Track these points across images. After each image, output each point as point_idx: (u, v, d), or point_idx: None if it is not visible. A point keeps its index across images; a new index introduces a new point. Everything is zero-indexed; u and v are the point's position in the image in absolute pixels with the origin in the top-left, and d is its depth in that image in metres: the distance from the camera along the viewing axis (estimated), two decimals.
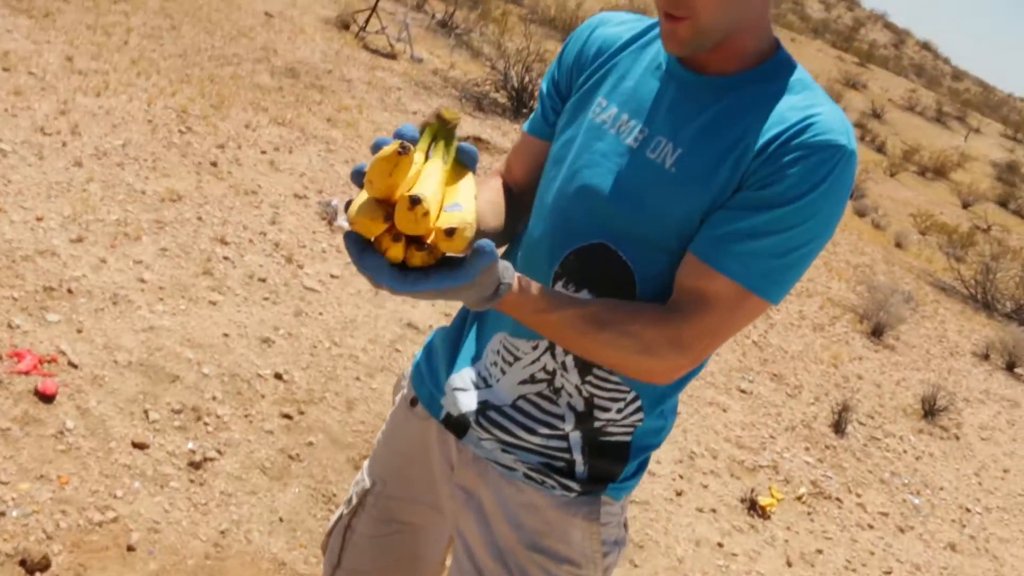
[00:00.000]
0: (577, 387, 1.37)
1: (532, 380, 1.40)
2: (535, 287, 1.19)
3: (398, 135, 1.05)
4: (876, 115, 28.03)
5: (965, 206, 20.31)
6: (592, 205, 1.33)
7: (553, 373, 1.38)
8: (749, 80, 1.29)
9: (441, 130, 1.10)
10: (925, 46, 61.70)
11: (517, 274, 1.17)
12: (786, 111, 1.24)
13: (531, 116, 1.50)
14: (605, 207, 1.31)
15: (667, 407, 1.43)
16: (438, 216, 1.01)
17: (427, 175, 1.03)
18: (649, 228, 1.28)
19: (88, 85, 5.28)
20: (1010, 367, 7.96)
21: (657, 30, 1.41)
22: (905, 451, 5.20)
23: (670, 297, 1.27)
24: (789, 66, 1.31)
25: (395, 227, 1.00)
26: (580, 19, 18.47)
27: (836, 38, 41.41)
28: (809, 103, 1.24)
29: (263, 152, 5.46)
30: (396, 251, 1.01)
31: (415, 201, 0.97)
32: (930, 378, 6.66)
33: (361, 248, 1.03)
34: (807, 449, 4.66)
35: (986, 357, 8.03)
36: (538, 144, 1.47)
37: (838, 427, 5.03)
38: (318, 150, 5.89)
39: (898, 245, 12.42)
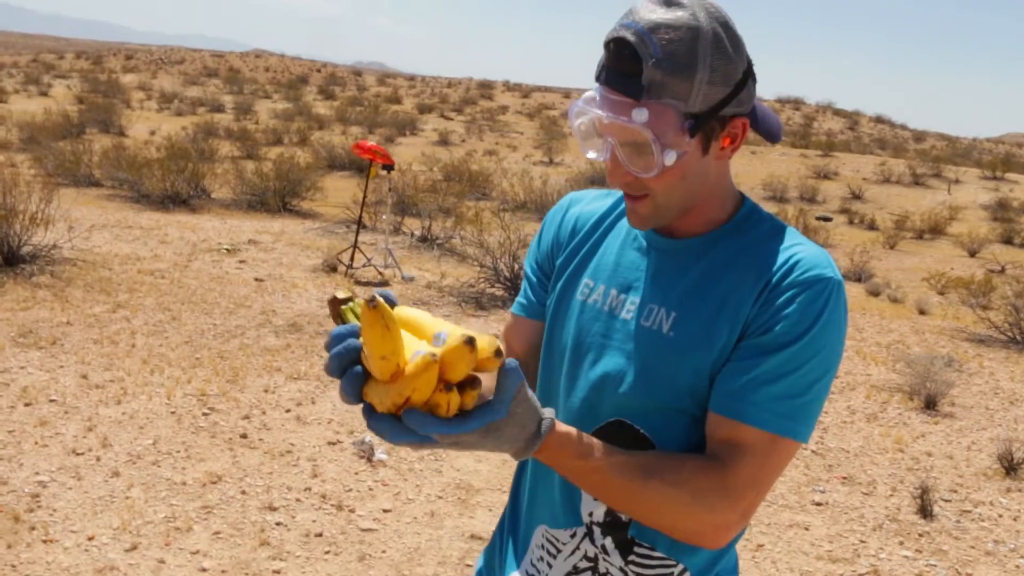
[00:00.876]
0: (622, 569, 1.37)
1: (576, 571, 1.40)
2: (575, 431, 1.21)
3: (336, 337, 1.08)
4: (856, 196, 28.47)
5: (972, 255, 20.30)
6: (601, 388, 1.37)
7: (595, 559, 1.38)
8: (722, 236, 1.35)
9: (355, 307, 1.11)
10: (879, 120, 63.39)
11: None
12: (767, 257, 1.30)
13: (519, 298, 1.55)
14: (615, 387, 1.35)
15: (721, 570, 1.41)
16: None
17: (399, 331, 1.06)
18: (660, 397, 1.31)
19: (107, 396, 5.42)
20: None
21: (622, 206, 1.49)
22: (1000, 515, 5.01)
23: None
24: (758, 215, 1.38)
25: (441, 379, 1.01)
26: (549, 196, 19.11)
27: (794, 139, 42.59)
28: (787, 245, 1.31)
29: (287, 411, 5.54)
30: (452, 398, 1.01)
31: (471, 340, 1.00)
32: (999, 434, 6.50)
33: (391, 421, 1.03)
34: (901, 543, 4.50)
35: None
36: (532, 324, 1.52)
37: (924, 511, 4.87)
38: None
39: (921, 312, 12.34)
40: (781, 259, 1.29)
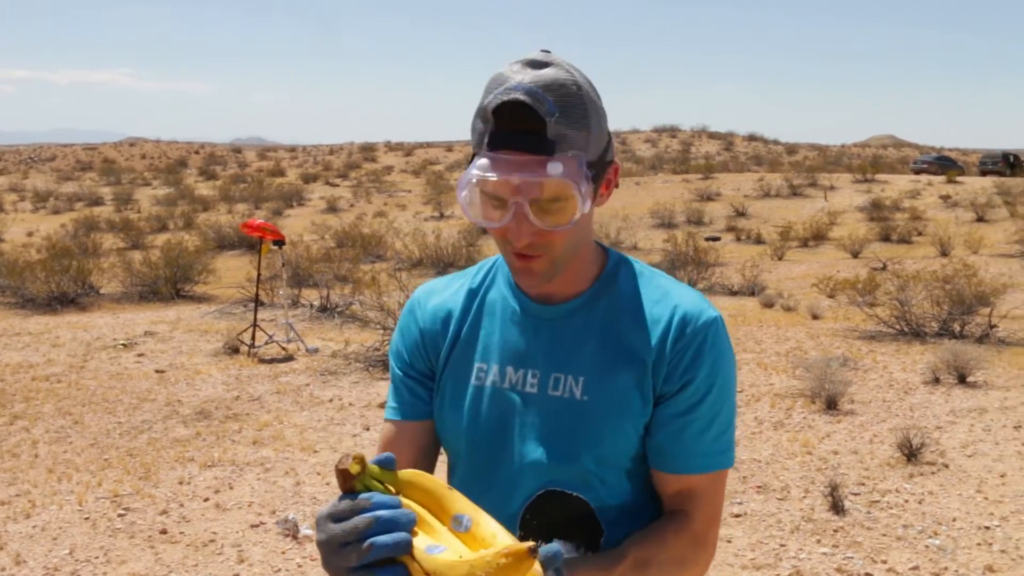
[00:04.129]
0: None
1: None
2: (577, 563, 1.24)
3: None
4: (740, 214, 29.42)
5: (855, 256, 21.20)
6: (525, 466, 1.38)
7: None
8: (600, 290, 1.41)
9: (365, 477, 1.03)
10: (752, 138, 65.67)
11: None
12: (652, 309, 1.38)
13: (391, 402, 1.49)
14: (539, 462, 1.37)
15: None
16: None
17: (435, 531, 1.02)
18: (586, 461, 1.36)
19: (15, 512, 5.25)
20: (961, 379, 8.18)
21: (484, 274, 1.51)
22: (906, 501, 5.26)
23: (642, 506, 1.38)
24: (627, 264, 1.45)
25: None
26: (444, 250, 19.23)
27: (674, 165, 43.80)
28: (664, 292, 1.39)
29: (205, 500, 5.46)
30: None
31: (535, 551, 0.93)
32: (898, 423, 6.81)
33: None
34: (819, 541, 4.69)
35: (936, 381, 8.26)
36: (417, 426, 1.47)
37: (836, 508, 5.09)
38: (255, 474, 5.92)
39: (815, 317, 12.83)
40: (667, 311, 1.37)
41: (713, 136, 62.15)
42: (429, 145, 75.32)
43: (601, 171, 1.33)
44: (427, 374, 1.48)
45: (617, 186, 1.43)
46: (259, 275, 10.81)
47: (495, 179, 1.26)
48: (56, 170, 60.88)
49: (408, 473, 1.07)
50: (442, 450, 1.51)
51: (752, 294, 16.21)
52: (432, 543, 0.99)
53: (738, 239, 25.52)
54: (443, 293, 1.51)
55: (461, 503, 1.05)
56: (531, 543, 0.93)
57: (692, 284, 15.70)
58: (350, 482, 1.01)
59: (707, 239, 23.30)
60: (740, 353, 9.64)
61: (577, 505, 1.37)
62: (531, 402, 1.39)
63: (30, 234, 28.51)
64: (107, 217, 31.54)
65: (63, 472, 5.98)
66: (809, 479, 5.65)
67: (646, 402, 1.35)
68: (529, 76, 1.25)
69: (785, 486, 5.54)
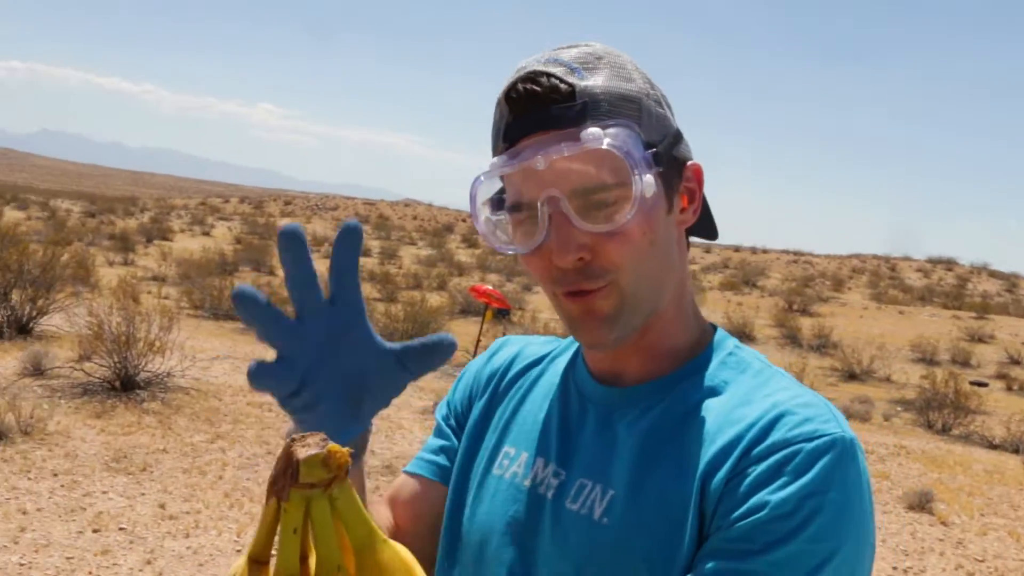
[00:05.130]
0: None
1: None
2: None
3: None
4: (1016, 361, 26.71)
5: None
6: None
7: None
8: (685, 376, 0.97)
9: (332, 493, 0.60)
10: None
11: None
12: (740, 405, 0.92)
13: (424, 454, 1.16)
14: None
15: None
16: None
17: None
18: None
19: (177, 529, 5.25)
20: None
21: (562, 349, 1.14)
22: None
23: None
24: (731, 351, 1.00)
25: None
26: None
27: (945, 299, 40.84)
28: (775, 396, 0.91)
29: None
30: None
31: None
32: None
33: None
34: None
35: None
36: (440, 491, 1.12)
37: None
38: None
39: None
40: (761, 406, 0.90)
41: (995, 275, 57.61)
42: None
43: (673, 169, 0.93)
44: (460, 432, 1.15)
45: (703, 204, 1.00)
46: (479, 340, 10.76)
47: (513, 169, 0.89)
48: (336, 219, 65.54)
49: (392, 556, 0.62)
50: None
51: (1016, 451, 14.39)
52: None
53: (1009, 388, 23.00)
54: (521, 347, 1.17)
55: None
56: None
57: (946, 429, 14.16)
58: (285, 481, 0.58)
59: (972, 383, 21.16)
60: (990, 517, 8.37)
61: None
62: (550, 512, 0.97)
63: None
64: (370, 268, 33.36)
65: (236, 499, 5.96)
66: None
67: (690, 539, 0.87)
68: (553, 52, 0.92)
69: None
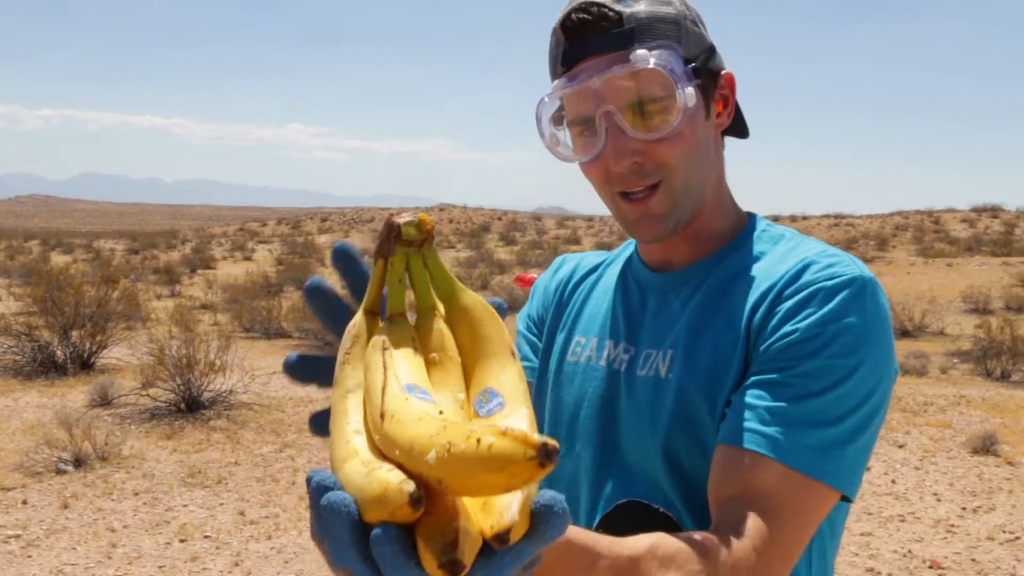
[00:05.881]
0: None
1: None
2: (570, 534, 0.85)
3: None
4: None
5: None
6: (607, 460, 1.13)
7: None
8: (726, 253, 1.13)
9: (425, 251, 0.71)
10: None
11: None
12: (774, 264, 1.07)
13: None
14: (620, 456, 1.11)
15: None
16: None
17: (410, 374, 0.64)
18: (673, 458, 1.05)
19: (259, 532, 5.43)
20: None
21: (615, 255, 1.30)
22: None
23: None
24: (769, 228, 1.16)
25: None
26: None
27: (993, 247, 40.19)
28: (802, 252, 1.07)
29: None
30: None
31: (547, 456, 0.48)
32: None
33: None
34: None
35: None
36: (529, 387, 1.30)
37: None
38: None
39: None
40: (790, 261, 1.05)
41: None
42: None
43: (709, 80, 1.07)
44: (540, 335, 1.31)
45: (735, 109, 1.14)
46: None
47: (573, 90, 1.04)
48: (373, 231, 66.07)
49: (474, 300, 0.71)
50: None
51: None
52: (421, 386, 0.63)
53: None
54: (580, 260, 1.34)
55: (504, 381, 0.66)
56: (549, 442, 0.49)
57: (1005, 376, 13.99)
58: (391, 243, 0.69)
59: None
60: None
61: (663, 524, 1.04)
62: (624, 383, 1.13)
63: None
64: None
65: None
66: None
67: (736, 370, 1.02)
68: None
69: None
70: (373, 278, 0.71)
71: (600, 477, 1.13)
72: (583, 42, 1.04)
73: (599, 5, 1.02)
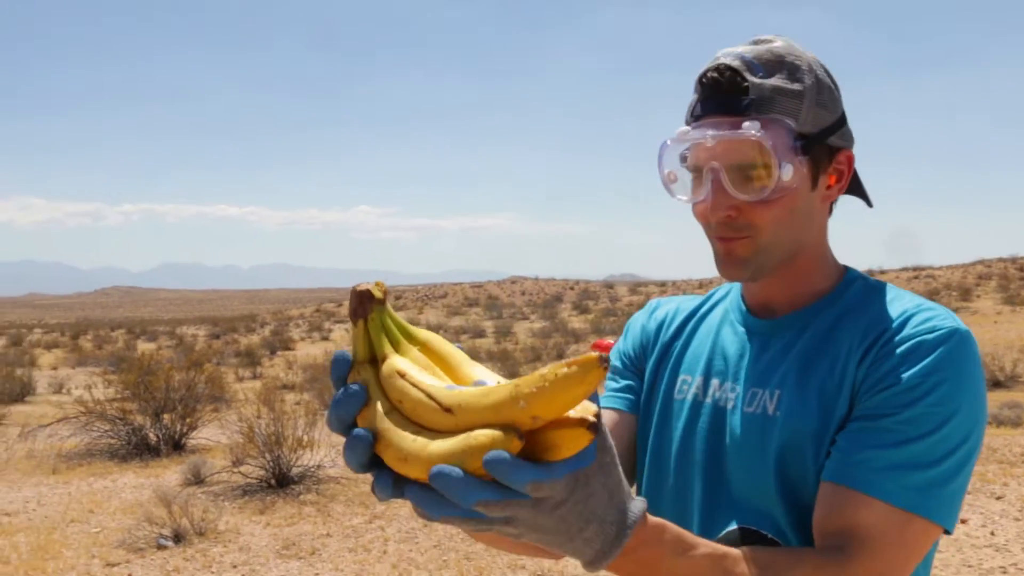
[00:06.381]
0: None
1: None
2: (664, 521, 0.93)
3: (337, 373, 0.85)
4: None
5: None
6: (716, 491, 1.22)
7: None
8: (825, 305, 1.23)
9: (383, 312, 0.87)
10: None
11: None
12: (878, 316, 1.16)
13: (610, 392, 1.40)
14: (729, 487, 1.21)
15: None
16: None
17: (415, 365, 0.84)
18: (780, 490, 1.14)
19: None
20: None
21: (722, 292, 1.40)
22: None
23: None
24: (863, 280, 1.26)
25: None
26: None
27: None
28: (902, 305, 1.17)
29: None
30: (564, 435, 0.75)
31: (605, 360, 0.72)
32: None
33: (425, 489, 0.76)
34: None
35: None
36: (629, 419, 1.36)
37: None
38: None
39: None
40: (891, 313, 1.15)
41: None
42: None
43: (824, 153, 1.18)
44: (639, 371, 1.40)
45: (850, 182, 1.25)
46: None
47: (685, 143, 1.18)
48: (447, 306, 66.89)
49: (425, 333, 0.89)
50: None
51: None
52: (450, 383, 0.83)
53: None
54: (676, 304, 1.43)
55: (483, 372, 0.84)
56: (601, 352, 0.73)
57: None
58: (366, 306, 0.86)
59: None
60: None
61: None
62: (730, 420, 1.22)
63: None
64: (487, 348, 33.76)
65: (404, 569, 6.21)
66: None
67: (840, 414, 1.11)
68: (746, 48, 1.18)
69: None
70: (359, 336, 0.87)
71: (710, 507, 1.22)
72: (710, 100, 1.16)
73: (734, 71, 1.14)
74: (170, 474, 9.88)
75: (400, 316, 0.89)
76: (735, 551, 1.00)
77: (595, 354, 0.72)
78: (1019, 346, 24.81)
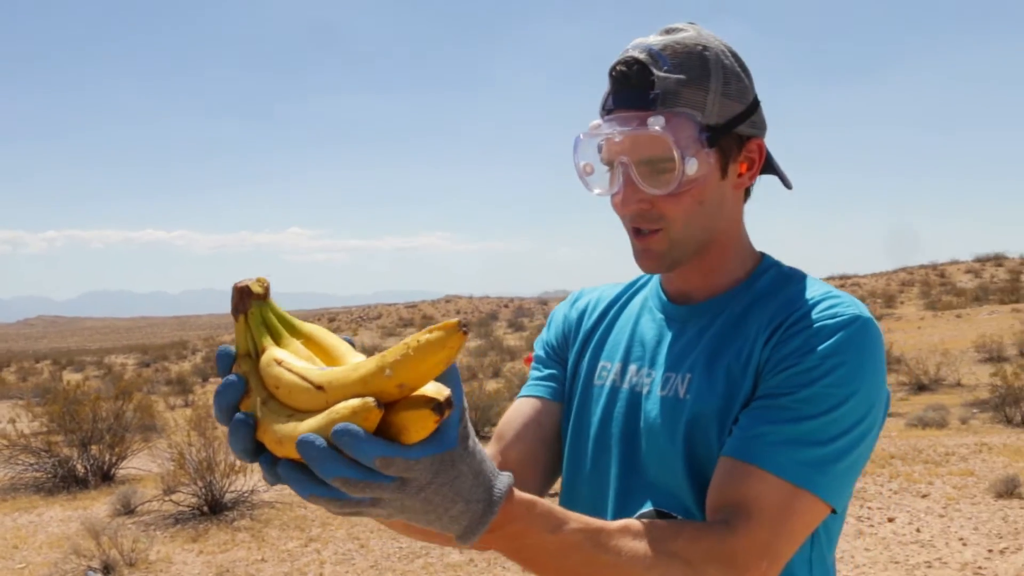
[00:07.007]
0: None
1: None
2: (535, 497, 0.95)
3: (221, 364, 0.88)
4: None
5: None
6: (630, 473, 1.26)
7: None
8: (740, 292, 1.27)
9: (264, 306, 0.89)
10: None
11: None
12: (787, 301, 1.20)
13: (533, 381, 1.43)
14: (643, 469, 1.25)
15: None
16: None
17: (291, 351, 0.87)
18: (691, 471, 1.19)
19: None
20: None
21: (643, 280, 1.44)
22: None
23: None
24: (777, 267, 1.30)
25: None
26: None
27: (1001, 295, 40.17)
28: (811, 292, 1.21)
29: None
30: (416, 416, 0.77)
31: (465, 325, 0.77)
32: None
33: (296, 467, 0.78)
34: None
35: None
36: (550, 407, 1.38)
37: None
38: None
39: None
40: (800, 299, 1.20)
41: None
42: None
43: (733, 142, 1.21)
44: (563, 360, 1.43)
45: (766, 166, 1.29)
46: None
47: (596, 138, 1.22)
48: (381, 327, 66.38)
49: (309, 327, 0.92)
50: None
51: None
52: (322, 366, 0.86)
53: None
54: (598, 292, 1.47)
55: (363, 357, 0.86)
56: (462, 319, 0.78)
57: None
58: (246, 302, 0.88)
59: None
60: None
61: None
62: (646, 404, 1.26)
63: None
64: None
65: None
66: None
67: (745, 395, 1.16)
68: (655, 38, 1.20)
69: None
70: (240, 330, 0.89)
71: (625, 491, 1.26)
72: (620, 94, 1.19)
73: (641, 65, 1.17)
74: (99, 506, 9.63)
75: (287, 312, 0.91)
76: (613, 524, 1.02)
77: (455, 319, 0.76)
78: (941, 350, 25.52)
